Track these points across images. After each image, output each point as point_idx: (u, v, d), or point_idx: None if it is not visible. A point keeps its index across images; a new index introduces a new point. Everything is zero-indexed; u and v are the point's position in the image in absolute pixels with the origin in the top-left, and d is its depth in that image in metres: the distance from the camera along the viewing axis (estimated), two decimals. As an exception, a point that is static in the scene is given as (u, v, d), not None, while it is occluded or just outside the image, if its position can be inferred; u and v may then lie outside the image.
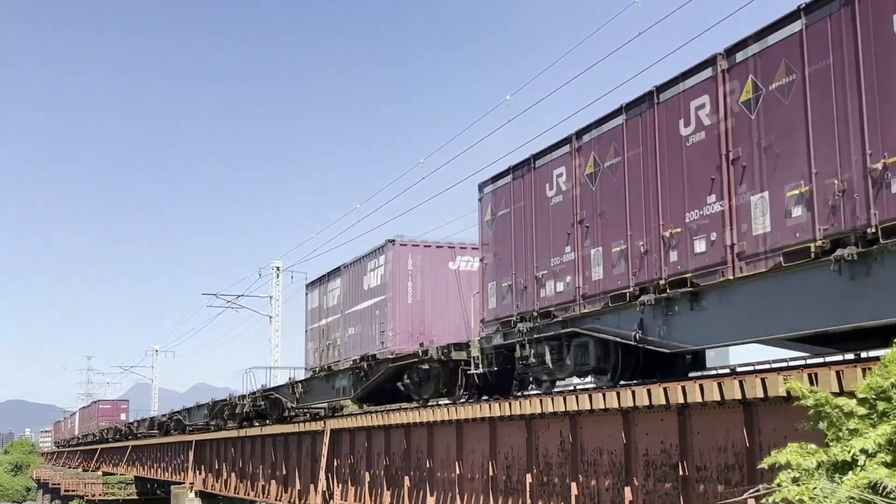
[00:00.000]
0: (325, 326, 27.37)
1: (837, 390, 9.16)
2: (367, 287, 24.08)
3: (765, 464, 7.75)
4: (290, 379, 30.77)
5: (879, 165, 9.68)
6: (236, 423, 34.97)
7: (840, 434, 7.38)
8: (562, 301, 15.27)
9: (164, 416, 52.99)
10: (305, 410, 30.03)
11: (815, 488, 6.82)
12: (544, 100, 22.23)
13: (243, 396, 34.21)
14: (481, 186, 18.36)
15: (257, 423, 32.87)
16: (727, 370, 18.60)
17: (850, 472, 6.91)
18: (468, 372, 18.46)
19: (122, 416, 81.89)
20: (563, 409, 14.22)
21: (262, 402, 32.34)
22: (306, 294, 29.92)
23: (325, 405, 28.20)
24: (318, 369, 27.57)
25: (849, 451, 7.02)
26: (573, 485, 14.44)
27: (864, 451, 7.01)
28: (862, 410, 7.42)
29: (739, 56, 11.80)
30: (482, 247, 18.37)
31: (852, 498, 6.54)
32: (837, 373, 9.44)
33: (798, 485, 7.04)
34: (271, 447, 31.13)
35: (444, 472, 18.76)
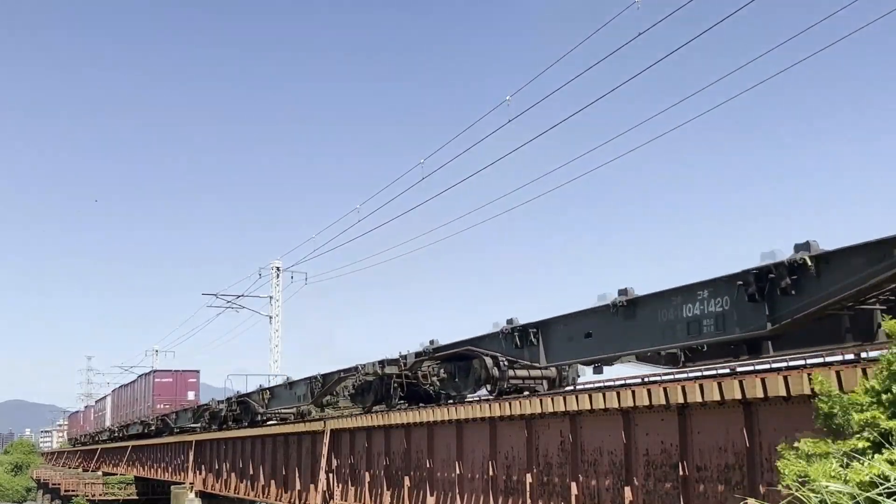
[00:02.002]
0: None
1: (837, 390, 9.18)
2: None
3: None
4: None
5: None
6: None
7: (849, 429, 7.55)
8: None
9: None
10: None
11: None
12: (544, 100, 22.20)
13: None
14: None
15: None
16: (727, 370, 18.54)
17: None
18: None
19: (192, 395, 55.02)
20: (563, 409, 14.22)
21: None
22: None
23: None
24: None
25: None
26: (573, 485, 14.45)
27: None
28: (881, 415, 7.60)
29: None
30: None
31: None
32: (837, 373, 9.45)
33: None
34: (271, 447, 31.11)
35: (444, 472, 18.76)
